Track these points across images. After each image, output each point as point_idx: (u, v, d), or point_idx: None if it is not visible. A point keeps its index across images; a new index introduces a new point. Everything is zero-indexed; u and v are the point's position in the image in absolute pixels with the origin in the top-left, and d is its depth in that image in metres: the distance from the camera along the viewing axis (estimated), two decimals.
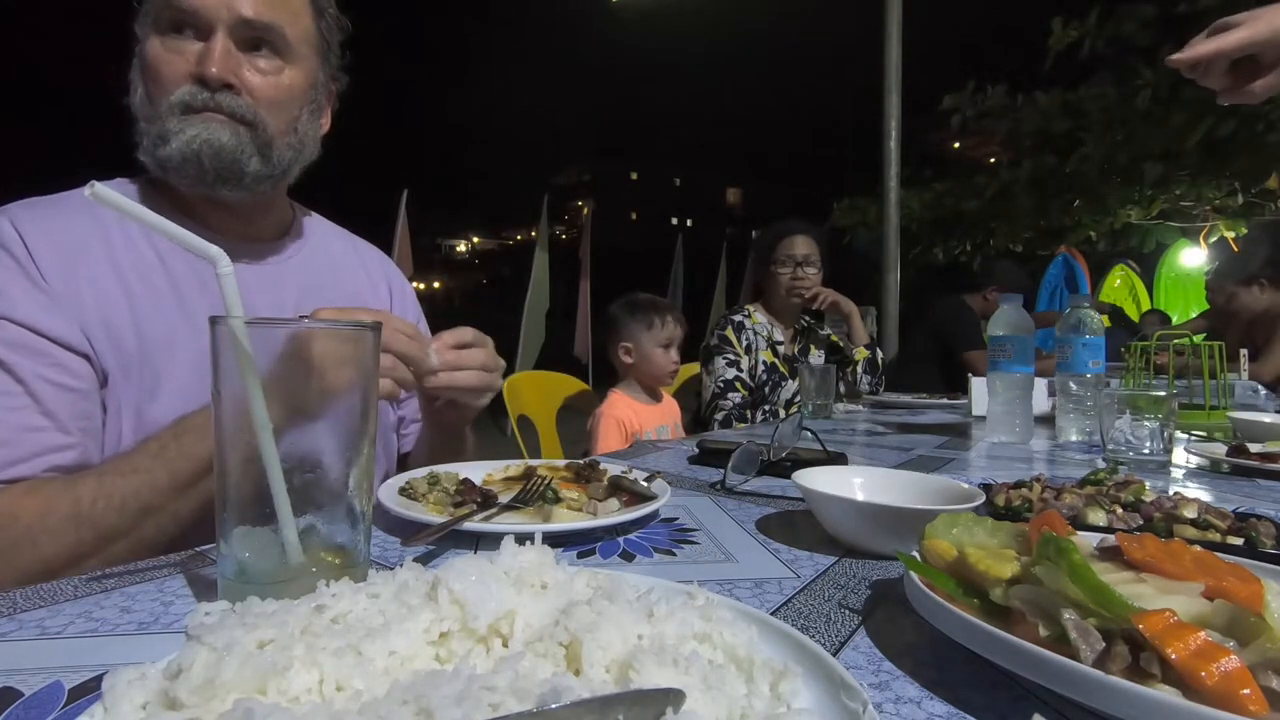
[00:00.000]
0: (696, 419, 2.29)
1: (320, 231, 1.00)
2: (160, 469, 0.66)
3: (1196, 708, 0.27)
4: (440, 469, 0.79)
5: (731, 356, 2.19)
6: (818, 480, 0.65)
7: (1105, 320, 1.29)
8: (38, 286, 0.71)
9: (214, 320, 0.42)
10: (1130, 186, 6.07)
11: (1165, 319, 5.55)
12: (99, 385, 0.73)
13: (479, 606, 0.31)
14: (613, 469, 0.79)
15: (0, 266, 0.71)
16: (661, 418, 2.06)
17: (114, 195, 0.42)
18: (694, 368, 2.40)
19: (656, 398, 2.10)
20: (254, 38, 0.79)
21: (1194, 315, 3.93)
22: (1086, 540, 0.40)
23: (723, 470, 0.85)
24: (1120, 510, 0.63)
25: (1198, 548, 0.38)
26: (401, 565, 0.36)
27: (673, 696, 0.26)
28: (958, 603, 0.38)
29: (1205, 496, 0.84)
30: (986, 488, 0.70)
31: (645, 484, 0.73)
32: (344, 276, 0.99)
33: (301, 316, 0.66)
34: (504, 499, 0.70)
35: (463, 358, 0.79)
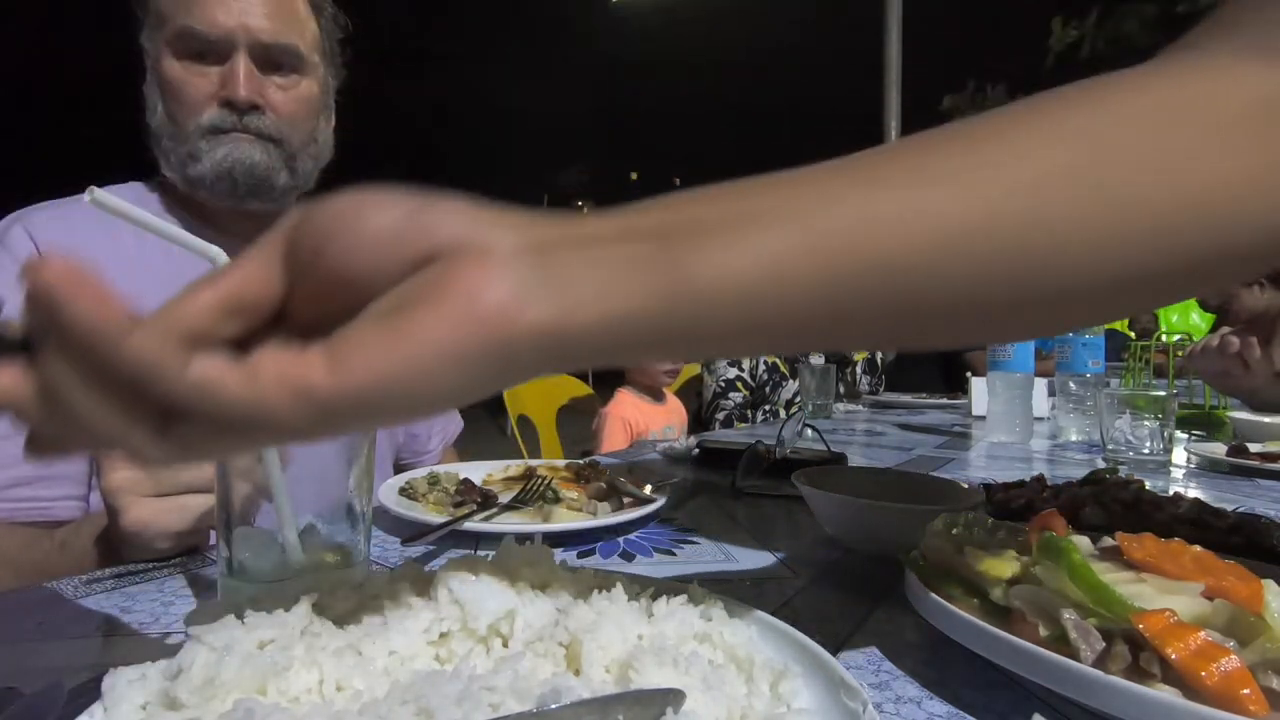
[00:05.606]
0: (697, 418, 2.29)
1: None
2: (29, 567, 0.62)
3: (1196, 708, 0.27)
4: (440, 468, 0.79)
5: None
6: (818, 480, 0.65)
7: None
8: None
9: None
10: None
11: (1154, 320, 5.52)
12: None
13: (479, 606, 0.31)
14: (613, 472, 0.79)
15: (5, 273, 0.71)
16: (667, 417, 2.07)
17: (112, 200, 0.42)
18: (695, 367, 2.40)
19: (660, 398, 2.10)
20: (271, 58, 0.80)
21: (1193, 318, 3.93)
22: (1086, 540, 0.40)
23: (723, 470, 0.85)
24: (1120, 510, 0.63)
25: (1198, 548, 0.38)
26: (401, 565, 0.36)
27: (673, 696, 0.26)
28: (958, 603, 0.38)
29: (1205, 496, 0.84)
30: (986, 488, 0.70)
31: (649, 489, 0.73)
32: None
33: None
34: (504, 499, 0.70)
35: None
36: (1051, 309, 0.30)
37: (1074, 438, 1.30)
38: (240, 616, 0.29)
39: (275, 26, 0.78)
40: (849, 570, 0.55)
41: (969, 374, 2.02)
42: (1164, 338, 1.88)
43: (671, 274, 0.26)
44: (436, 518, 0.62)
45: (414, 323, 0.23)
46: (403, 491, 0.71)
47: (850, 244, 0.27)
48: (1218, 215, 0.28)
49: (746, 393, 2.18)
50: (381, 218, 0.25)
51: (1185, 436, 1.31)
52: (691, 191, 0.29)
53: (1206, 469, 1.03)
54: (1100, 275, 0.28)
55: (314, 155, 0.86)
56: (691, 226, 0.27)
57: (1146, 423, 1.01)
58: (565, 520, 0.63)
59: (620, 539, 0.63)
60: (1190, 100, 0.29)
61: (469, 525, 0.61)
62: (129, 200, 0.44)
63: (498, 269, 0.24)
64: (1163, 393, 1.05)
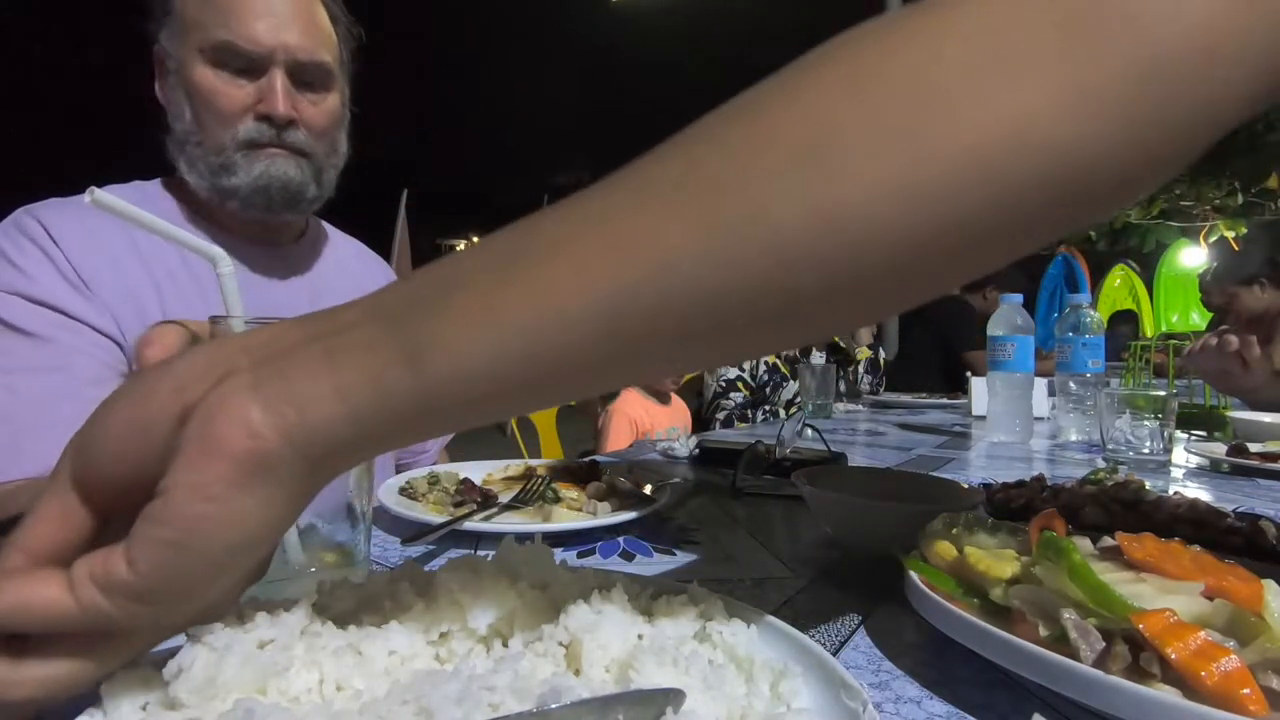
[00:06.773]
0: (697, 418, 2.29)
1: (329, 235, 1.01)
2: None
3: (1196, 708, 0.27)
4: (440, 469, 0.79)
5: None
6: (818, 480, 0.65)
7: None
8: (67, 279, 0.73)
9: (214, 320, 0.42)
10: None
11: (1133, 330, 5.54)
12: (129, 371, 0.74)
13: (479, 606, 0.31)
14: (613, 472, 0.79)
15: (30, 258, 0.73)
16: (671, 419, 2.07)
17: (113, 200, 0.42)
18: None
19: (665, 399, 2.10)
20: (305, 75, 0.81)
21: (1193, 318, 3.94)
22: (1086, 540, 0.40)
23: (723, 470, 0.85)
24: (1120, 510, 0.63)
25: (1198, 548, 0.38)
26: (401, 565, 0.36)
27: (673, 696, 0.26)
28: (958, 602, 0.38)
29: (1205, 496, 0.84)
30: (987, 487, 0.70)
31: (649, 489, 0.73)
32: (352, 278, 0.99)
33: None
34: (504, 499, 0.70)
35: None
36: (853, 297, 0.26)
37: (1074, 438, 1.30)
38: (240, 616, 0.29)
39: (310, 44, 0.80)
40: (849, 570, 0.55)
41: (969, 374, 2.02)
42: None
43: (409, 355, 0.25)
44: (436, 518, 0.62)
45: (176, 478, 0.24)
46: (403, 491, 0.71)
47: (589, 284, 0.25)
48: (1029, 149, 0.23)
49: (747, 392, 2.18)
50: (122, 409, 0.25)
51: (1185, 436, 1.31)
52: (445, 259, 0.28)
53: (1206, 469, 1.03)
54: (892, 250, 0.24)
55: (335, 165, 0.88)
56: (430, 298, 0.26)
57: (1146, 423, 1.01)
58: (565, 520, 0.63)
59: (620, 539, 0.63)
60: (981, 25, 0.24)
61: (469, 525, 0.61)
62: (134, 201, 0.44)
63: (236, 392, 0.24)
64: (1163, 393, 1.05)
